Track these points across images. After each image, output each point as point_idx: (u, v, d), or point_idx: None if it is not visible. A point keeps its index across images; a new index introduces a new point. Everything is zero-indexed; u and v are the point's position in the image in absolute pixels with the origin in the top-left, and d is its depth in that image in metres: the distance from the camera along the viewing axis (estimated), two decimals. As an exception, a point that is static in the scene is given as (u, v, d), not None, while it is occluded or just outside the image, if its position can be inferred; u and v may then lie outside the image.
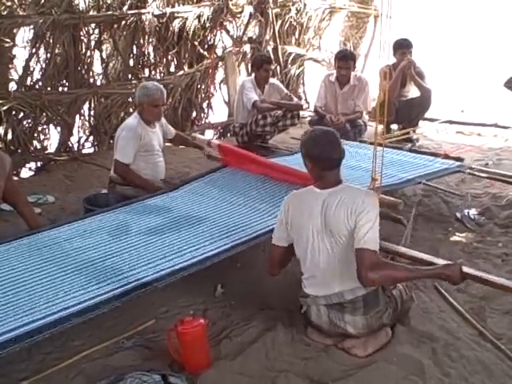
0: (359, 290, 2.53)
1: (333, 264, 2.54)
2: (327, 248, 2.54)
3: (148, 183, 4.15)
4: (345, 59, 5.69)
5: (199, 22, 6.44)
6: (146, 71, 6.39)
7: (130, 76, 6.18)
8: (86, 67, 5.74)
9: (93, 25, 5.71)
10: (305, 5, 7.49)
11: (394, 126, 6.41)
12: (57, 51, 5.46)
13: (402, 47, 5.94)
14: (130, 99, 6.05)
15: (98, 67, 5.95)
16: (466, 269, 2.53)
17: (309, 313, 2.64)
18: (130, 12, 5.86)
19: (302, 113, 6.20)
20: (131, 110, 6.10)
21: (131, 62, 6.26)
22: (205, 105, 7.02)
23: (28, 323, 2.41)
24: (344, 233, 2.48)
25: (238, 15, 6.94)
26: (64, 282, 2.76)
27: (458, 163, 4.28)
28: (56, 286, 2.72)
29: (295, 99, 6.04)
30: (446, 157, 4.47)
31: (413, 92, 6.19)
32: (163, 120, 4.48)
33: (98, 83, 5.94)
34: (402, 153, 4.57)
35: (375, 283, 2.48)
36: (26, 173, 5.55)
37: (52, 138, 5.74)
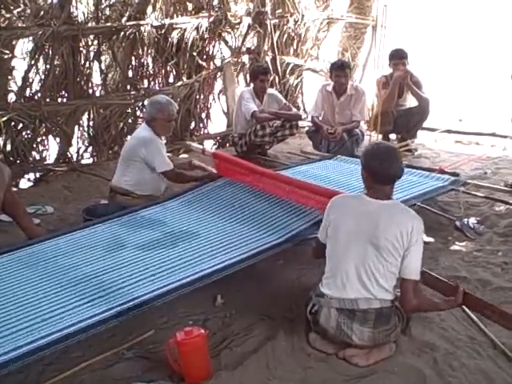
0: (374, 303, 2.54)
1: (359, 271, 2.56)
2: (361, 255, 2.56)
3: (202, 175, 4.28)
4: (342, 68, 5.73)
5: (198, 33, 6.46)
6: (145, 82, 6.40)
7: (128, 87, 6.18)
8: (85, 78, 5.75)
9: (92, 36, 5.72)
10: (303, 16, 7.52)
11: (393, 136, 6.44)
12: (56, 62, 5.46)
13: (394, 58, 5.98)
14: (129, 110, 6.07)
15: (96, 78, 5.95)
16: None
17: (318, 314, 2.64)
18: (128, 23, 5.87)
19: (300, 123, 6.22)
20: (130, 120, 6.13)
21: (130, 73, 6.27)
22: (203, 115, 7.03)
23: (22, 346, 2.37)
24: (392, 250, 2.52)
25: (237, 26, 6.96)
26: (59, 300, 2.73)
27: (453, 178, 4.27)
28: (51, 306, 2.69)
29: (294, 109, 6.06)
30: (442, 172, 4.47)
31: (410, 102, 6.21)
32: None
33: (97, 94, 5.94)
34: None
35: (414, 310, 2.65)
36: (25, 184, 5.54)
37: (51, 149, 5.74)
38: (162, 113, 4.11)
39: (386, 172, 2.62)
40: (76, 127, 5.85)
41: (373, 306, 2.54)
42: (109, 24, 5.80)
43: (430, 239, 3.86)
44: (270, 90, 5.95)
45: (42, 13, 5.33)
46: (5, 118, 5.09)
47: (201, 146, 5.60)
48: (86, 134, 5.97)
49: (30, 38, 5.26)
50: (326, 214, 2.78)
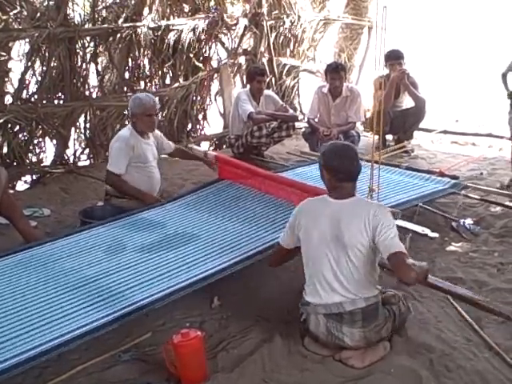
0: (359, 302, 2.54)
1: (336, 273, 2.56)
2: (333, 257, 2.57)
3: (141, 193, 4.14)
4: (336, 70, 5.77)
5: (194, 34, 6.47)
6: (142, 84, 6.41)
7: (125, 88, 6.19)
8: (81, 80, 5.75)
9: (88, 38, 5.73)
10: (299, 17, 7.53)
11: (389, 137, 6.45)
12: (52, 64, 5.47)
13: (390, 59, 5.98)
14: (126, 111, 6.06)
15: (93, 80, 5.96)
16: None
17: (307, 321, 2.65)
18: (125, 25, 5.88)
19: (297, 124, 6.22)
20: (127, 122, 6.11)
21: (127, 75, 6.28)
22: (200, 116, 7.04)
23: (21, 353, 2.38)
24: (357, 245, 2.54)
25: (233, 27, 6.98)
26: (59, 306, 2.74)
27: (453, 181, 4.28)
28: (51, 311, 2.70)
29: (291, 110, 6.07)
30: (442, 175, 4.48)
31: (407, 102, 6.22)
32: (159, 133, 4.48)
33: (94, 96, 5.96)
34: (397, 171, 4.56)
35: (418, 280, 2.48)
36: (21, 186, 5.55)
37: (48, 151, 5.75)
38: (140, 107, 4.11)
39: (348, 169, 2.64)
40: (73, 129, 5.86)
41: (358, 305, 2.54)
42: (105, 26, 5.82)
43: (435, 234, 3.86)
44: (267, 92, 5.95)
45: (38, 15, 5.34)
46: (1, 120, 5.10)
47: (203, 149, 5.60)
48: (82, 135, 5.97)
49: (27, 39, 5.28)
50: (294, 218, 2.76)
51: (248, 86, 5.84)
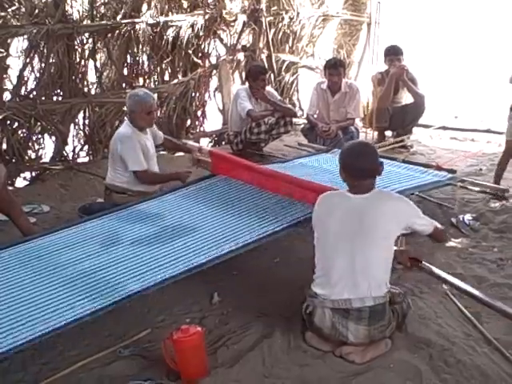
0: (368, 301, 2.54)
1: (352, 269, 2.55)
2: (351, 252, 2.56)
3: (174, 174, 4.32)
4: (335, 67, 5.77)
5: (193, 30, 6.46)
6: (140, 80, 6.40)
7: (124, 85, 6.18)
8: (80, 76, 5.74)
9: (87, 34, 5.71)
10: (298, 13, 7.53)
11: (388, 133, 6.45)
12: (51, 61, 5.45)
13: (389, 54, 6.00)
14: (125, 108, 6.05)
15: (92, 76, 5.94)
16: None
17: (313, 314, 2.64)
18: (123, 21, 5.87)
19: (296, 120, 6.23)
20: (126, 118, 6.10)
21: (125, 71, 6.27)
22: (199, 113, 7.03)
23: (13, 343, 2.39)
24: (386, 236, 2.59)
25: (232, 24, 6.97)
26: (54, 298, 2.74)
27: (450, 175, 4.28)
28: (45, 302, 2.69)
29: (289, 106, 6.07)
30: (439, 168, 4.47)
31: (406, 98, 6.23)
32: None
33: (93, 92, 5.94)
34: (394, 163, 4.55)
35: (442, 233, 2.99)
36: (20, 182, 5.53)
37: (47, 148, 5.73)
38: (141, 105, 4.10)
39: (361, 166, 2.65)
40: (72, 126, 5.84)
41: (366, 304, 2.54)
42: (104, 22, 5.79)
43: None
44: (266, 88, 5.94)
45: (36, 11, 5.32)
46: (0, 117, 5.08)
47: (197, 145, 5.60)
48: (81, 132, 5.96)
49: (25, 36, 5.25)
50: (314, 210, 2.78)
51: (247, 83, 5.82)
